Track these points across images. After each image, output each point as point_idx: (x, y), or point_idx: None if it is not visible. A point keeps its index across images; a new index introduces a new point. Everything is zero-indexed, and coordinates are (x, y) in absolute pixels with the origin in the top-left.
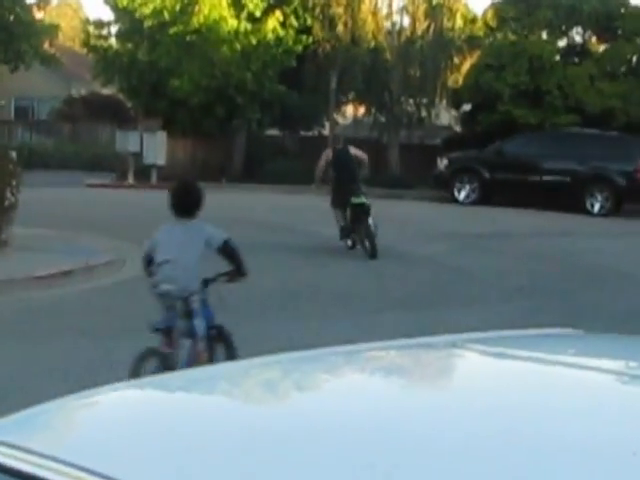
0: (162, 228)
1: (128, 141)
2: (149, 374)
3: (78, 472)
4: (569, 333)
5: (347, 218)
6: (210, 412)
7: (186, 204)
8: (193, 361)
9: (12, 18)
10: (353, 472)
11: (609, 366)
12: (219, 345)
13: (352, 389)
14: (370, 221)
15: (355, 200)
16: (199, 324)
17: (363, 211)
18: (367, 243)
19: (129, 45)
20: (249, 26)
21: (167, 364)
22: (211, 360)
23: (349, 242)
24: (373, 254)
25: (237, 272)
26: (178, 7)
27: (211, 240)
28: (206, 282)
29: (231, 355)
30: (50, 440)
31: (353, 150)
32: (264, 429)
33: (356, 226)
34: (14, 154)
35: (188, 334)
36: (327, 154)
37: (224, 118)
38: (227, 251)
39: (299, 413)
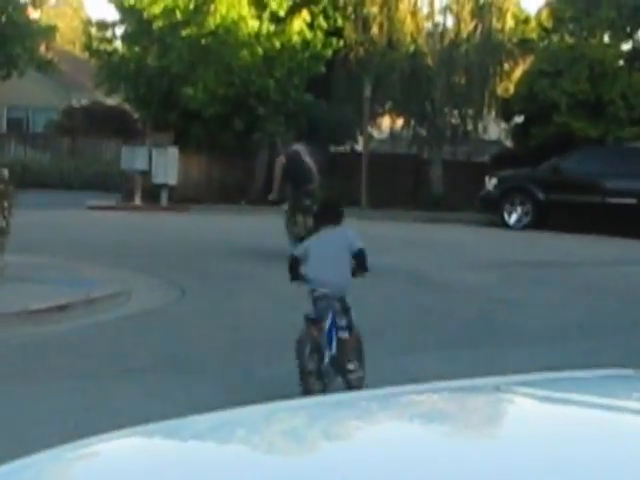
0: (314, 238)
1: (135, 158)
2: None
3: None
4: (628, 374)
5: (306, 224)
6: (221, 462)
7: (332, 214)
8: (344, 347)
9: (4, 19)
10: None
11: None
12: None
13: (386, 437)
14: None
15: None
16: (352, 317)
17: None
18: None
19: (136, 49)
20: (272, 27)
21: (316, 347)
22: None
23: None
24: None
25: (363, 269)
26: (192, 6)
27: (351, 245)
28: None
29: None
30: None
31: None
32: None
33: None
34: (6, 172)
35: (346, 327)
36: (280, 160)
37: (243, 131)
38: (360, 257)
39: (326, 465)
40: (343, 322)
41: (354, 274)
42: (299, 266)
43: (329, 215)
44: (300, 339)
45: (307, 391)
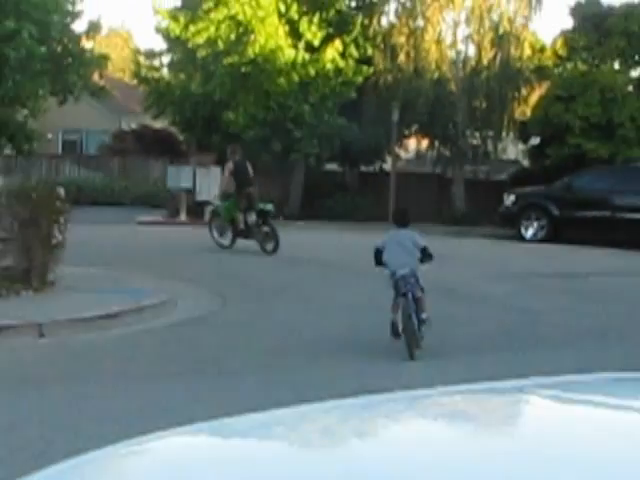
0: (389, 233)
1: (180, 177)
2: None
3: None
4: None
5: (248, 221)
6: (262, 459)
7: (404, 218)
8: (421, 305)
9: (60, 49)
10: None
11: None
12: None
13: (414, 436)
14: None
15: (263, 206)
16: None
17: (269, 215)
18: (272, 243)
19: (182, 76)
20: (307, 56)
21: (406, 308)
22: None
23: (226, 241)
24: (275, 250)
25: (429, 258)
26: (233, 36)
27: (416, 243)
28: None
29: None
30: None
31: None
32: (324, 475)
33: (260, 229)
34: (62, 190)
35: (420, 289)
36: (229, 167)
37: (281, 153)
38: (425, 250)
39: (359, 461)
40: (418, 289)
41: (422, 261)
42: (381, 255)
43: (402, 218)
44: (393, 307)
45: (395, 336)
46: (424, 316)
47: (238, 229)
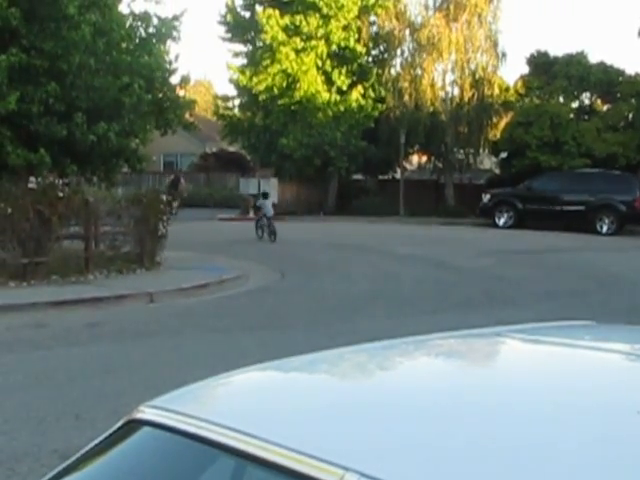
0: (261, 201)
1: (249, 186)
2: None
3: (226, 431)
4: (586, 324)
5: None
6: (311, 388)
7: (265, 195)
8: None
9: (161, 96)
10: (425, 427)
11: (617, 348)
12: None
13: (421, 369)
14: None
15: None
16: None
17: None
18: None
19: (248, 113)
20: (338, 97)
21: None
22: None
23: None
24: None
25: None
26: (284, 84)
27: (270, 205)
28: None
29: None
30: (204, 407)
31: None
32: (359, 398)
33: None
34: (164, 197)
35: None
36: (175, 177)
37: (320, 167)
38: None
39: (384, 387)
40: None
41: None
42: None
43: (265, 195)
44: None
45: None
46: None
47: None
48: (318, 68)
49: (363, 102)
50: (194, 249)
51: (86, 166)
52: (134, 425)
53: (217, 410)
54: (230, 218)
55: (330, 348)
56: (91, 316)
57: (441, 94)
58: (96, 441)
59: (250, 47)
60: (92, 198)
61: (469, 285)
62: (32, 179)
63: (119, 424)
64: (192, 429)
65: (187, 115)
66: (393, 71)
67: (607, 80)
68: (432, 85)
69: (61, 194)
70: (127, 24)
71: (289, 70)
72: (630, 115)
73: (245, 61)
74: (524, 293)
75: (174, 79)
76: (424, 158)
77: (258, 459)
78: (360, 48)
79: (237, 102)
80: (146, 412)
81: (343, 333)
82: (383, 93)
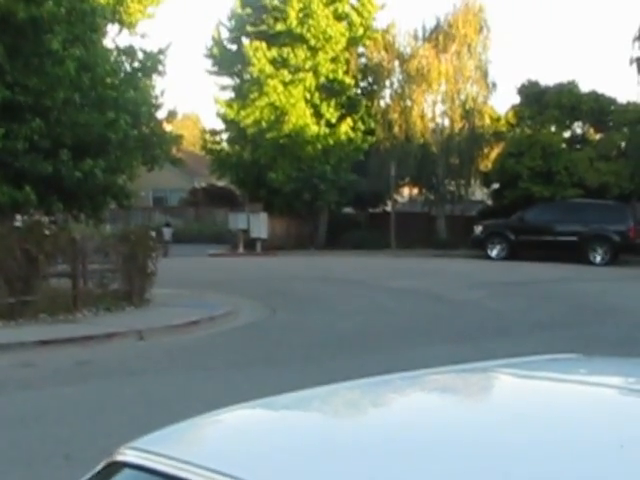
0: None
1: (238, 220)
2: None
3: (209, 473)
4: (575, 357)
5: None
6: (302, 426)
7: None
8: None
9: (147, 131)
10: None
11: (607, 382)
12: None
13: (415, 405)
14: None
15: None
16: None
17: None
18: None
19: (237, 147)
20: (327, 130)
21: None
22: None
23: None
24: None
25: None
26: (273, 117)
27: None
28: None
29: None
30: (187, 448)
31: None
32: (351, 436)
33: None
34: (153, 233)
35: None
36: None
37: (310, 201)
38: None
39: (377, 424)
40: None
41: None
42: None
43: None
44: None
45: None
46: None
47: None
48: (306, 101)
49: (352, 135)
50: (184, 286)
51: (73, 203)
52: (115, 467)
53: (200, 451)
54: (220, 254)
55: (322, 385)
56: (80, 355)
57: (431, 125)
58: None
59: (237, 80)
60: (79, 235)
61: (462, 317)
62: (18, 217)
63: (100, 466)
64: (174, 471)
65: (174, 150)
66: (382, 103)
67: (599, 109)
68: (422, 116)
69: (48, 232)
70: (112, 58)
71: (277, 103)
72: (622, 144)
73: (233, 94)
74: (517, 325)
75: (160, 114)
76: (415, 190)
77: None
78: (349, 80)
79: (225, 136)
80: (127, 454)
81: (335, 369)
82: (373, 125)
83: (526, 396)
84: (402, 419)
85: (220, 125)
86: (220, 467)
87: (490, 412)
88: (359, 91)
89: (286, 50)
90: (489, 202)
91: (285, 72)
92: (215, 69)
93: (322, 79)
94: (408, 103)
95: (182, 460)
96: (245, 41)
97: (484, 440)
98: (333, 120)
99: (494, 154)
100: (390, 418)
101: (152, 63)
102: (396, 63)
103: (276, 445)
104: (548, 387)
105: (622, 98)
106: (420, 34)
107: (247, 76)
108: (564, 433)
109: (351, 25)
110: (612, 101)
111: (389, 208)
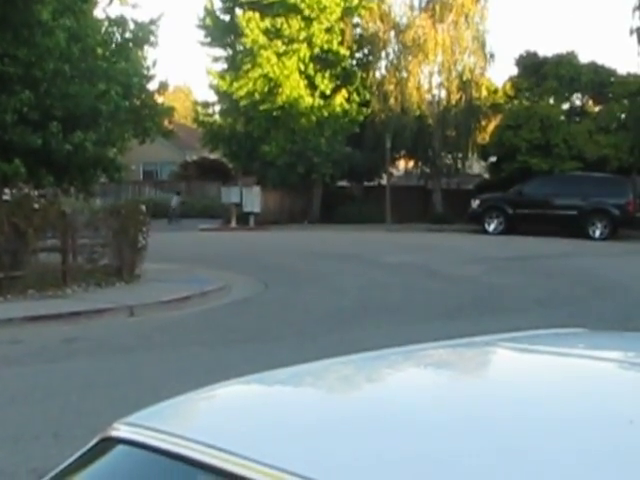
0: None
1: (231, 194)
2: None
3: (205, 448)
4: (578, 331)
5: None
6: (304, 400)
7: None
8: None
9: (139, 103)
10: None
11: (614, 357)
12: None
13: (411, 380)
14: None
15: None
16: None
17: None
18: None
19: (229, 120)
20: (321, 102)
21: None
22: None
23: None
24: None
25: None
26: (266, 89)
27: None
28: None
29: None
30: (182, 423)
31: None
32: (346, 412)
33: None
34: (143, 207)
35: None
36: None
37: (304, 174)
38: None
39: (372, 399)
40: None
41: None
42: None
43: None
44: None
45: None
46: None
47: None
48: (300, 72)
49: (347, 106)
50: (175, 261)
51: (63, 177)
52: (108, 443)
53: (195, 426)
54: (212, 228)
55: (316, 360)
56: (69, 331)
57: (427, 97)
58: (70, 460)
59: (230, 51)
60: (69, 209)
61: (459, 293)
62: (7, 191)
63: (93, 442)
64: (168, 446)
65: (166, 122)
66: (378, 74)
67: (598, 81)
68: (418, 88)
69: (37, 206)
70: (103, 29)
71: (270, 74)
72: (622, 116)
73: (225, 66)
74: (515, 301)
75: (152, 85)
76: (411, 163)
77: (238, 478)
78: (344, 51)
79: (217, 108)
80: (120, 429)
81: (330, 344)
82: (368, 97)
83: (527, 370)
84: (398, 394)
85: (212, 97)
86: (215, 442)
87: (490, 387)
88: (354, 62)
89: (280, 20)
90: (486, 175)
91: (279, 43)
92: (208, 40)
93: (316, 50)
94: (404, 74)
95: (176, 435)
96: (238, 11)
97: (481, 415)
98: (328, 92)
99: (491, 126)
100: (385, 393)
101: (143, 34)
102: (392, 33)
103: (271, 420)
104: (552, 361)
105: (622, 69)
106: (416, 4)
107: (240, 47)
108: (570, 409)
109: None
110: (612, 72)
111: (384, 181)
